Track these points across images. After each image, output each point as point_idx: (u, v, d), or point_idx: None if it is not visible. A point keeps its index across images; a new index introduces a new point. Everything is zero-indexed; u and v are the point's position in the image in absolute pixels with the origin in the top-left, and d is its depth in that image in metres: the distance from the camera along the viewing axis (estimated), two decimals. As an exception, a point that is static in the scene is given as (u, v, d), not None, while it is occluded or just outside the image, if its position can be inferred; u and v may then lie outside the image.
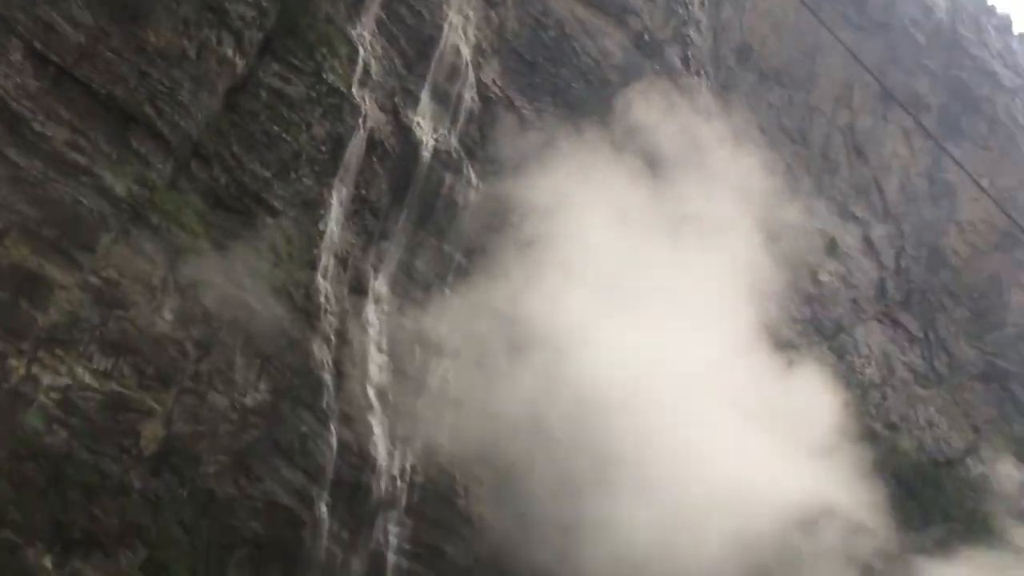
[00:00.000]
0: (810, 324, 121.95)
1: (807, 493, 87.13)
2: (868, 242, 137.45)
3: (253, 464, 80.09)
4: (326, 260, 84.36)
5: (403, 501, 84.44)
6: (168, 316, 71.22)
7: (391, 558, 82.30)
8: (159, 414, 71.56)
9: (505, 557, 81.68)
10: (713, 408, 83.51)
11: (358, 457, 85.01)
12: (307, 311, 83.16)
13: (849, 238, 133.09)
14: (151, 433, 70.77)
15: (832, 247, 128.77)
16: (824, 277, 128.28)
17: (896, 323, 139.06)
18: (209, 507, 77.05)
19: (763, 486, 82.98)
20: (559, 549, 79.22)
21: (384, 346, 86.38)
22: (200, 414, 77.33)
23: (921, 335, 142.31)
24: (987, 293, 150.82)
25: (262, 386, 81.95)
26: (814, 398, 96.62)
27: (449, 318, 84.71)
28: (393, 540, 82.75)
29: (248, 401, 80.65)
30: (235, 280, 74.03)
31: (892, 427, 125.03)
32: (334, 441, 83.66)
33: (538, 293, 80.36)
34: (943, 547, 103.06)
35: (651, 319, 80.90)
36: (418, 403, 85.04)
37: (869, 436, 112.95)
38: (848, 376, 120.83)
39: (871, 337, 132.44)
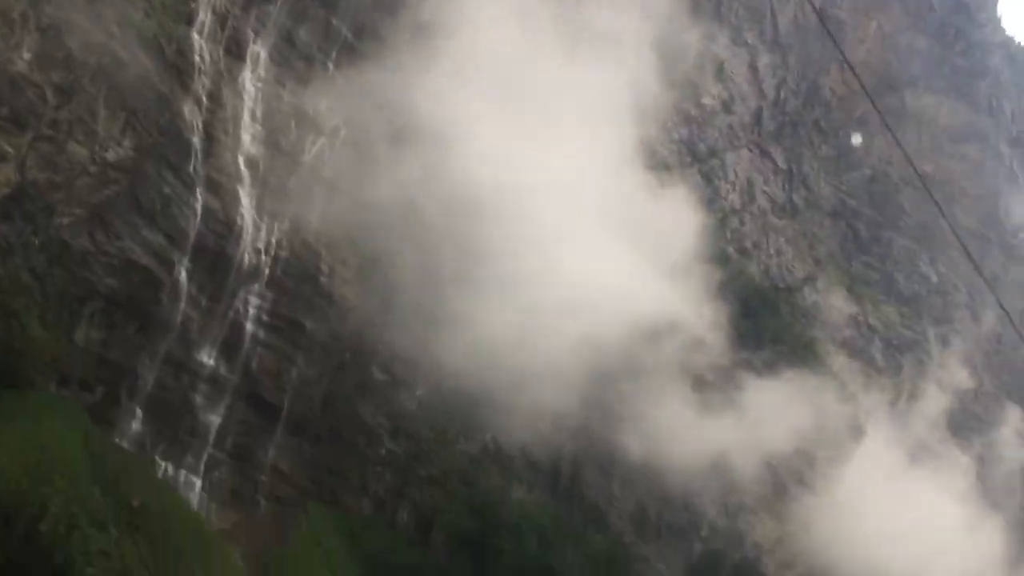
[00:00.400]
0: (685, 146, 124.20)
1: (657, 307, 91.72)
2: (754, 69, 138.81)
3: (112, 220, 77.81)
4: (203, 16, 79.47)
5: (266, 274, 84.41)
6: (27, 56, 66.48)
7: (249, 328, 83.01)
8: (12, 158, 68.06)
9: (365, 338, 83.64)
10: (581, 218, 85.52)
11: (223, 226, 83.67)
12: (179, 67, 78.89)
13: (736, 63, 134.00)
14: (3, 177, 67.54)
15: (719, 71, 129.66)
16: (707, 100, 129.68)
17: (765, 153, 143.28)
18: (63, 258, 75.13)
19: (617, 297, 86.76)
20: (419, 337, 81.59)
21: (259, 115, 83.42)
22: (57, 163, 73.82)
23: (786, 167, 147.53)
24: (852, 134, 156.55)
25: (126, 142, 78.37)
26: (678, 219, 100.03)
27: (330, 96, 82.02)
28: (253, 311, 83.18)
29: (110, 155, 77.18)
30: (103, 26, 69.17)
31: (744, 252, 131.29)
32: (199, 207, 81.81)
33: (426, 83, 78.43)
34: (770, 367, 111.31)
35: (535, 123, 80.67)
36: (290, 179, 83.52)
37: (721, 258, 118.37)
38: (712, 200, 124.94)
39: (739, 164, 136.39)
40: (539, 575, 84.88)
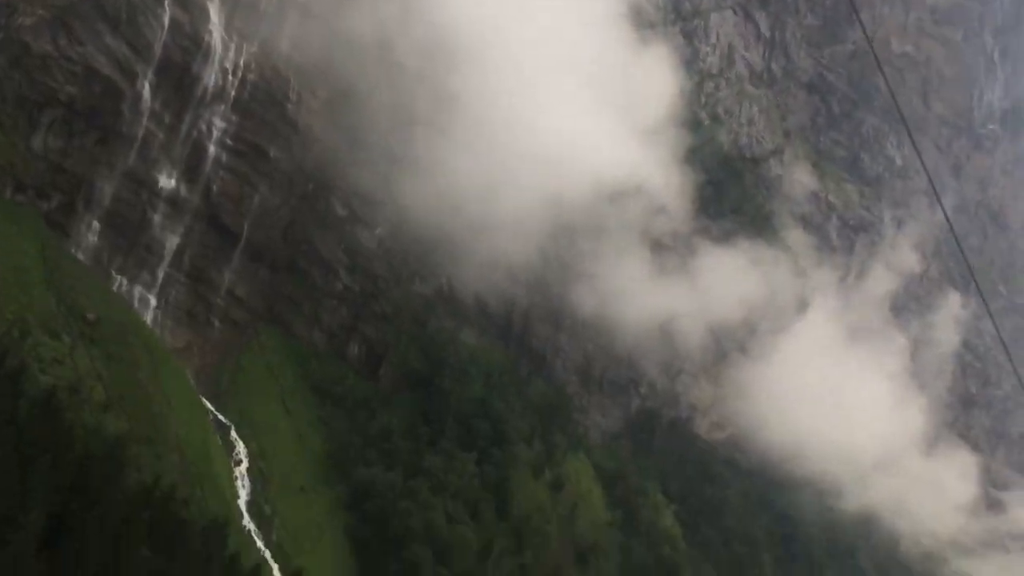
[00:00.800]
0: (671, 2, 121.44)
1: (625, 169, 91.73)
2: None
3: (75, 25, 74.98)
4: None
5: (232, 96, 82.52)
6: None
7: (212, 150, 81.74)
8: (-30, -51, 64.97)
9: (329, 172, 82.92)
10: (559, 72, 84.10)
11: (190, 41, 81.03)
12: None
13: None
14: (-39, -31, 64.53)
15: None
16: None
17: (749, 17, 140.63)
18: (23, 60, 72.71)
19: (586, 155, 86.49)
20: (384, 176, 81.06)
21: (233, -75, 79.76)
22: (19, -42, 70.85)
23: (768, 34, 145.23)
24: (840, 5, 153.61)
25: (92, -59, 75.11)
26: (655, 80, 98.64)
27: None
28: (217, 133, 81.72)
29: (75, -46, 74.12)
30: None
31: (716, 119, 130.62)
32: (166, 19, 78.91)
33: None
34: (728, 236, 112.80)
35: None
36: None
37: (693, 124, 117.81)
38: (691, 62, 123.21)
39: (722, 27, 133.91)
40: (482, 416, 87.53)
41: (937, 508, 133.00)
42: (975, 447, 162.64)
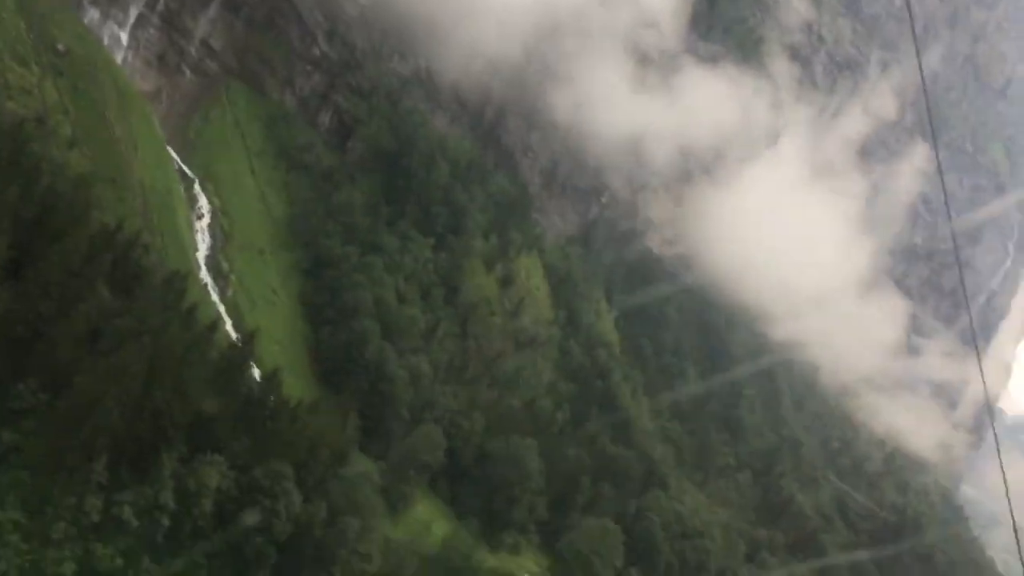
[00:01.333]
0: None
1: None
2: None
3: None
4: None
5: None
6: None
7: None
8: None
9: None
10: None
11: None
12: None
13: None
14: None
15: None
16: None
17: None
18: None
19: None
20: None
21: None
22: None
23: None
24: None
25: None
26: None
27: None
28: None
29: None
30: None
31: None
32: None
33: None
34: (713, 59, 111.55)
35: None
36: None
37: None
38: None
39: None
40: (443, 203, 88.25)
41: (860, 347, 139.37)
42: (908, 294, 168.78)
